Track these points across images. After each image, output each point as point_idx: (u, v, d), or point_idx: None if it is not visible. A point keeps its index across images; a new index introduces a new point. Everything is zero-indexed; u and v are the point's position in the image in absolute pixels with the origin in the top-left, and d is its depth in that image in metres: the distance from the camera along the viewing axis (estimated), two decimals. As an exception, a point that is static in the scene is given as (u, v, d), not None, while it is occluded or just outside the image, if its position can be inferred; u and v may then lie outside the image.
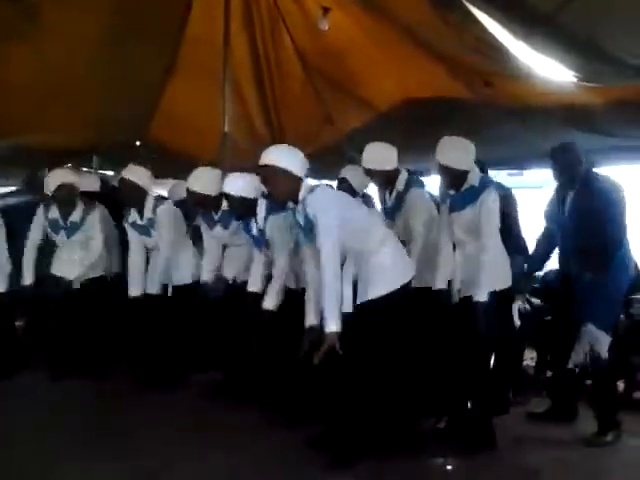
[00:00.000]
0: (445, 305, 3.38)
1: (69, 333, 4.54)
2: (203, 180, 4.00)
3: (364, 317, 3.01)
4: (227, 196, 3.76)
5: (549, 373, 4.11)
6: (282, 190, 3.02)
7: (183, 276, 4.37)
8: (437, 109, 4.43)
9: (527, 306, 4.19)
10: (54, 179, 4.40)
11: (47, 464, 3.06)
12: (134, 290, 4.29)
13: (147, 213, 4.29)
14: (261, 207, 3.76)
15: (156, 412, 3.82)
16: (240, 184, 3.73)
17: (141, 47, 4.71)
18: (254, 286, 3.87)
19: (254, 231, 3.83)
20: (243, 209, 3.77)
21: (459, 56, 3.71)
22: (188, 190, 4.02)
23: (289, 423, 3.56)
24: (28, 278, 4.46)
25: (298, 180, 2.99)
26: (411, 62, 4.31)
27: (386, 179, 3.75)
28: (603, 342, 3.31)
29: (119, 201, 4.52)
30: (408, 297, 3.11)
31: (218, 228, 4.16)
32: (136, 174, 4.25)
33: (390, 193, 3.81)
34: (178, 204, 4.55)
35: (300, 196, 2.99)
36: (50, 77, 4.55)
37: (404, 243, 3.57)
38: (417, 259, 3.52)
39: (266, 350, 3.90)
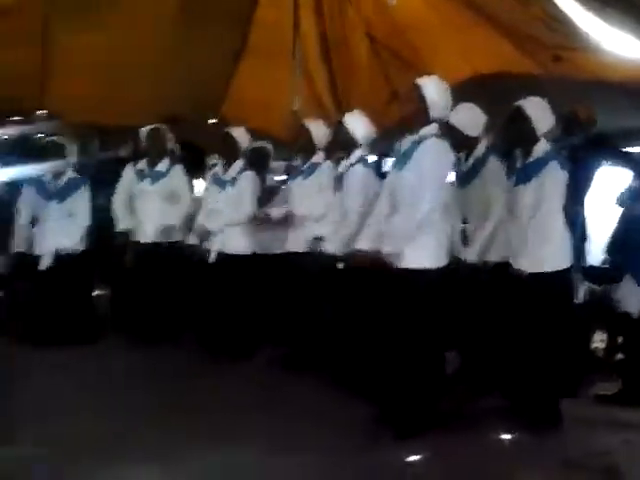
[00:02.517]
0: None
1: (151, 299, 4.62)
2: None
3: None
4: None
5: (620, 355, 4.02)
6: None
7: (242, 246, 4.40)
8: (505, 85, 4.31)
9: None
10: (145, 128, 4.67)
11: (110, 440, 3.01)
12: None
13: (232, 172, 4.44)
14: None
15: (225, 386, 3.85)
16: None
17: (213, 30, 4.85)
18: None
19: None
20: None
21: (527, 30, 3.61)
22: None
23: (357, 397, 3.54)
24: (124, 223, 4.66)
25: None
26: (478, 37, 4.23)
27: (465, 144, 3.60)
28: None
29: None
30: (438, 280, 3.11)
31: (299, 178, 4.27)
32: (236, 131, 4.44)
33: (466, 158, 3.67)
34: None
35: (425, 131, 3.11)
36: (125, 58, 4.80)
37: (464, 221, 3.54)
38: (492, 232, 3.49)
39: (337, 323, 3.92)
